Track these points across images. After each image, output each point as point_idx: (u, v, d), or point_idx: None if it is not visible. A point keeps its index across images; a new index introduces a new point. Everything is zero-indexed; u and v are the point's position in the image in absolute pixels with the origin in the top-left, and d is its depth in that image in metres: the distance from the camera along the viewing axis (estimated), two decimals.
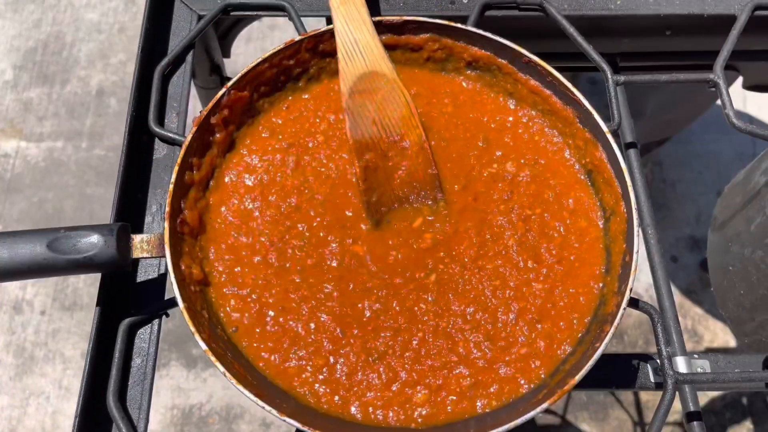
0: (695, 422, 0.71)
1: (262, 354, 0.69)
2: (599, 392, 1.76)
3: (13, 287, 1.92)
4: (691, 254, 1.94)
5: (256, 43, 2.28)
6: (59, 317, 1.88)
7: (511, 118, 0.80)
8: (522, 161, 0.78)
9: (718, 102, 0.82)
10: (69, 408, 1.78)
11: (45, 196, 2.06)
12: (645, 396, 1.75)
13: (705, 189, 2.02)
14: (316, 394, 0.67)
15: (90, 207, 2.04)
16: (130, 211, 0.77)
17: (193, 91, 0.91)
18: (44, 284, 1.92)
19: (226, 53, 1.04)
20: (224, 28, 1.01)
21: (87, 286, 1.89)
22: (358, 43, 0.76)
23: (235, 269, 0.72)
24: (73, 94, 2.22)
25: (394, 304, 0.71)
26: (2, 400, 1.78)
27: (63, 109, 2.19)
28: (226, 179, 0.77)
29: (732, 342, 1.84)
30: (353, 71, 0.75)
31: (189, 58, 0.86)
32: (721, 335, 1.85)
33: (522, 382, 0.67)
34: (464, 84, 0.83)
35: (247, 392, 0.61)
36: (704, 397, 1.75)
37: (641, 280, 1.83)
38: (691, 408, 0.73)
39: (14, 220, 2.02)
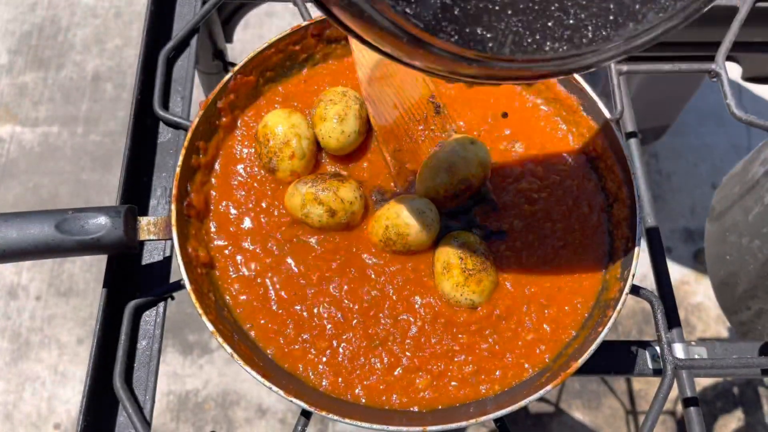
0: (692, 408, 0.73)
1: (268, 336, 0.69)
2: (592, 381, 1.78)
3: (8, 272, 1.91)
4: (686, 246, 1.96)
5: (254, 30, 2.27)
6: (55, 303, 1.88)
7: (516, 103, 0.81)
8: (529, 143, 0.79)
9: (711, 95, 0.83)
10: (65, 393, 1.78)
11: (40, 182, 2.05)
12: (638, 385, 1.77)
13: (700, 181, 2.04)
14: (320, 376, 0.68)
15: (86, 193, 2.03)
16: (135, 195, 0.77)
17: (195, 77, 0.91)
18: (39, 269, 1.92)
19: (229, 38, 1.04)
20: (227, 13, 1.01)
21: (83, 272, 1.89)
22: None
23: (241, 253, 0.73)
24: (68, 79, 2.20)
25: (391, 292, 0.72)
26: None
27: (58, 94, 2.18)
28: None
29: (724, 333, 1.86)
30: (368, 58, 0.76)
31: (193, 42, 0.86)
32: (713, 326, 1.87)
33: (526, 366, 0.68)
34: None
35: (254, 373, 0.61)
36: (696, 386, 1.77)
37: (636, 272, 1.85)
38: (689, 394, 0.74)
39: (9, 205, 2.01)
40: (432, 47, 0.41)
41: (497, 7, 0.40)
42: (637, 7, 0.42)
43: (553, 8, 0.41)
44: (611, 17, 0.42)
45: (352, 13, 0.40)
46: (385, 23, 0.40)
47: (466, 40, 0.40)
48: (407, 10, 0.39)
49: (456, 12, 0.39)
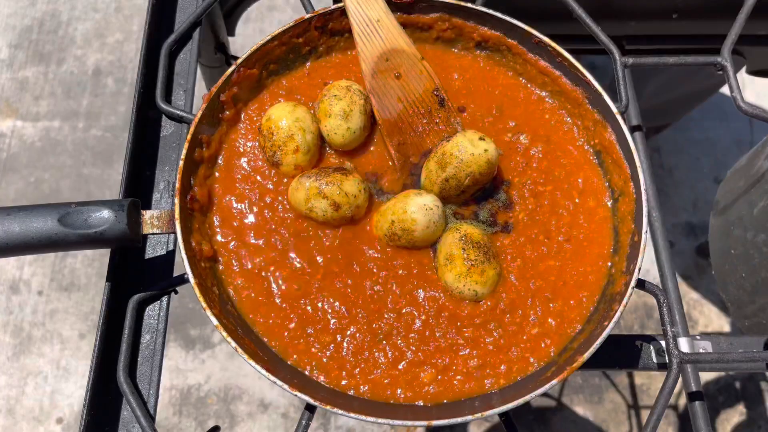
0: (697, 402, 0.72)
1: (272, 330, 0.69)
2: (595, 376, 1.78)
3: (10, 267, 1.91)
4: (687, 240, 1.96)
5: (255, 24, 2.26)
6: (57, 297, 1.87)
7: (522, 95, 0.80)
8: (534, 136, 0.78)
9: (723, 89, 0.82)
10: (67, 388, 1.78)
11: (41, 176, 2.04)
12: (639, 379, 1.77)
13: (702, 175, 2.03)
14: (324, 370, 0.68)
15: (87, 187, 2.03)
16: (138, 188, 0.77)
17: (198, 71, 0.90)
18: (42, 264, 1.91)
19: (231, 32, 1.03)
20: (229, 6, 1.01)
21: (84, 266, 1.89)
22: (372, 21, 0.76)
23: (244, 248, 0.72)
24: (69, 73, 2.20)
25: (394, 286, 0.71)
26: (0, 380, 1.78)
27: (59, 88, 2.17)
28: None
29: (726, 327, 1.86)
30: (372, 51, 0.76)
31: (196, 35, 0.85)
32: (715, 320, 1.87)
33: (531, 360, 0.68)
34: (474, 61, 0.82)
35: (258, 367, 0.61)
36: None
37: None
38: (693, 388, 0.74)
39: (10, 200, 2.00)
40: None
41: None
42: None
43: None
44: None
45: None
46: None
47: None
48: None
49: None
